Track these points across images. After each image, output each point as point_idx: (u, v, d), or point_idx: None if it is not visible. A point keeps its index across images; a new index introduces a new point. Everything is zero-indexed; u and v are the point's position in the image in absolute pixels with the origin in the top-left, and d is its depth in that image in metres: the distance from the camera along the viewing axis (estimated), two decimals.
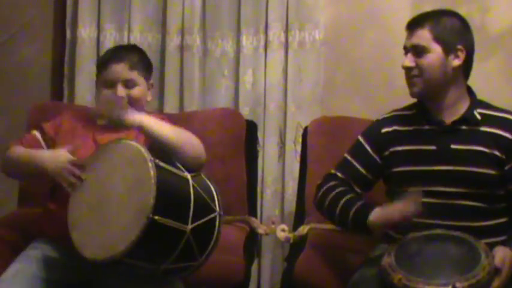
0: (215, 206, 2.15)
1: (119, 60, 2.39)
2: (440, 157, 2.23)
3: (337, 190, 2.30)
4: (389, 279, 1.95)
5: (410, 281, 1.91)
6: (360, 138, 2.39)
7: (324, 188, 2.35)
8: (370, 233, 2.16)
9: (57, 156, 2.20)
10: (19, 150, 2.32)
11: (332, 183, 2.34)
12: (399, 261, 1.99)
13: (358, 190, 2.34)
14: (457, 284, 1.86)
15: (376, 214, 2.13)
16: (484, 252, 1.97)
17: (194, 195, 2.08)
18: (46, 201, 2.35)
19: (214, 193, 2.18)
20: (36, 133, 2.42)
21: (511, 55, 3.28)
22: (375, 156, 2.34)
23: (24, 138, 2.41)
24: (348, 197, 2.25)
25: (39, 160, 2.23)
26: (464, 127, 2.24)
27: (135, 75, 2.40)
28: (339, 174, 2.37)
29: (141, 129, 2.19)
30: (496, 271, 1.97)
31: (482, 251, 1.98)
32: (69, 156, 2.19)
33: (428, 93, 2.25)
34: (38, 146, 2.38)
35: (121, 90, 2.36)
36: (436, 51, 2.21)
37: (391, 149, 2.31)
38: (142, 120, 2.19)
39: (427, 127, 2.28)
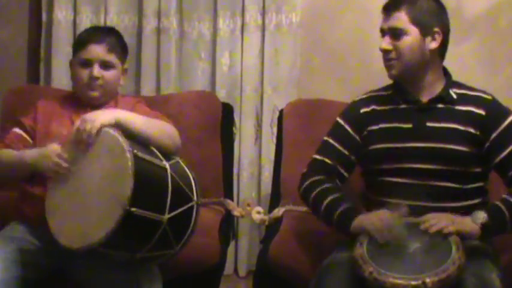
0: (193, 194, 2.15)
1: (98, 41, 2.39)
2: (416, 135, 2.25)
3: (322, 187, 2.29)
4: (361, 271, 1.96)
5: (380, 274, 1.91)
6: (339, 120, 2.39)
7: (309, 181, 2.34)
8: (352, 236, 2.17)
9: (48, 153, 2.17)
10: (6, 155, 2.30)
11: (317, 177, 2.33)
12: (371, 252, 1.99)
13: (344, 173, 2.35)
14: (427, 279, 1.86)
15: (359, 222, 2.14)
16: (456, 245, 1.98)
17: (172, 185, 2.07)
18: (25, 185, 2.33)
19: (193, 182, 2.18)
20: (17, 129, 2.39)
21: (484, 38, 3.32)
22: (356, 137, 2.35)
23: (7, 138, 2.38)
24: (331, 197, 2.25)
25: (30, 161, 2.22)
26: (440, 105, 2.26)
27: (112, 57, 2.40)
28: (324, 159, 2.36)
29: (117, 125, 2.15)
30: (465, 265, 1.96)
31: (453, 243, 1.98)
32: (58, 150, 2.16)
33: (406, 75, 2.27)
34: (23, 141, 2.36)
35: (97, 71, 2.36)
36: (413, 33, 2.21)
37: (369, 128, 2.32)
38: (118, 117, 2.15)
39: (403, 106, 2.30)
